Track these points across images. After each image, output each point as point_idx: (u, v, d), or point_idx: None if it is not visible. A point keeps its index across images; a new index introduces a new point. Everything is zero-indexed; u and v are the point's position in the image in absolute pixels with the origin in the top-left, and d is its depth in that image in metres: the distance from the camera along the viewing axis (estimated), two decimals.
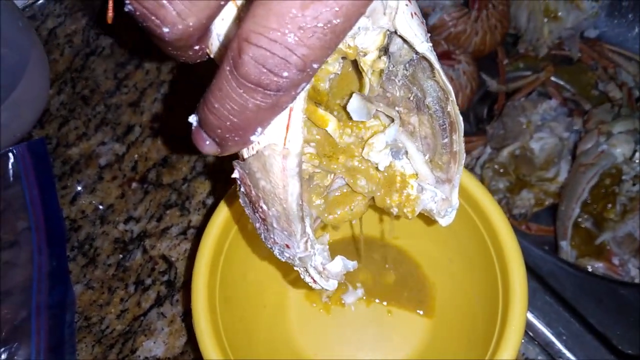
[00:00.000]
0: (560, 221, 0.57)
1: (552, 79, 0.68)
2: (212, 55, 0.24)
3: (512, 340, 0.34)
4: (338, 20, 0.19)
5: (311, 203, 0.28)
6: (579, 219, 0.57)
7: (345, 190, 0.29)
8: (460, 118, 0.27)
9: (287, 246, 0.25)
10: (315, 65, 0.19)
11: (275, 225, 0.25)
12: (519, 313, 0.34)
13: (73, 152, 0.57)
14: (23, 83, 0.55)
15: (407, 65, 0.27)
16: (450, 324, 0.43)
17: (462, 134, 0.27)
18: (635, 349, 0.44)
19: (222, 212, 0.38)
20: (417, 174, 0.28)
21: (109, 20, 0.25)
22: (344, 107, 0.27)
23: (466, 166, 0.64)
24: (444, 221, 0.29)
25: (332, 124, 0.26)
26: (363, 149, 0.27)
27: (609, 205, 0.56)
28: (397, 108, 0.28)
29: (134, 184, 0.54)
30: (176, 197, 0.53)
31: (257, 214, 0.25)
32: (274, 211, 0.24)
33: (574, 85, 0.70)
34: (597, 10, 0.71)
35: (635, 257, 0.55)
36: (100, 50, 0.65)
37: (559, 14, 0.69)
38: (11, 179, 0.52)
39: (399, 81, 0.27)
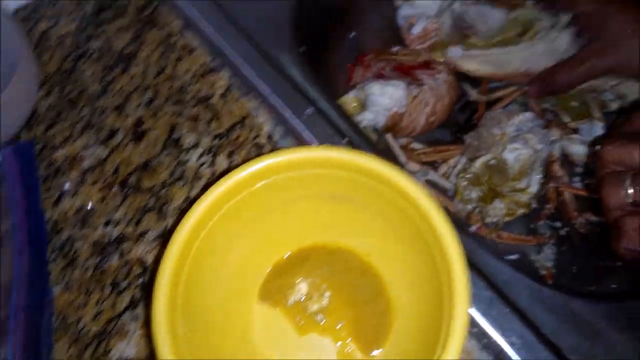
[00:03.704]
0: None
1: None
2: None
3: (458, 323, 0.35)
4: None
5: None
6: None
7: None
8: None
9: None
10: None
11: None
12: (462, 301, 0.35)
13: (58, 155, 0.59)
14: (11, 87, 0.57)
15: None
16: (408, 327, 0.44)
17: None
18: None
19: (193, 217, 0.39)
20: None
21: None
22: None
23: (442, 175, 0.66)
24: None
25: None
26: None
27: None
28: None
29: (115, 188, 0.56)
30: (154, 201, 0.55)
31: None
32: None
33: (554, 96, 0.70)
34: None
35: None
36: (90, 53, 0.67)
37: None
38: None
39: None
